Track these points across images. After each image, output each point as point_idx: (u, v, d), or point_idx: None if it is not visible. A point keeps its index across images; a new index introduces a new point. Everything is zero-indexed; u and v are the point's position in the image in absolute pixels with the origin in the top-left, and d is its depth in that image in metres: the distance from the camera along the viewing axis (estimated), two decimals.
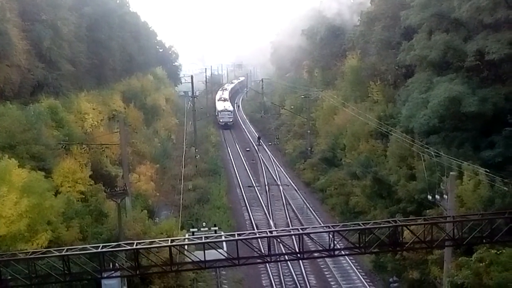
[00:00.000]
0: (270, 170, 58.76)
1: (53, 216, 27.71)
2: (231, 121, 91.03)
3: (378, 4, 49.21)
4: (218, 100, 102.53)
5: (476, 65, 33.28)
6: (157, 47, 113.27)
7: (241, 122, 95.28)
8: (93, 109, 49.03)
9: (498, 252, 25.16)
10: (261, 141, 74.94)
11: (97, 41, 56.56)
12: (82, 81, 52.19)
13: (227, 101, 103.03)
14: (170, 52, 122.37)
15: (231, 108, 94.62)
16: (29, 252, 20.37)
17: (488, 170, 28.01)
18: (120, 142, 37.19)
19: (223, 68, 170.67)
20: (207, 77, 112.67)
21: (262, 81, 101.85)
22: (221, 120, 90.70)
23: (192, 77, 68.92)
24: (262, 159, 63.90)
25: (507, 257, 24.82)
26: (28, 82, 41.82)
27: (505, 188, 26.82)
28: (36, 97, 41.21)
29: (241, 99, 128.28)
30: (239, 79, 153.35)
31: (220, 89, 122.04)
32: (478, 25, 33.57)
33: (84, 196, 34.31)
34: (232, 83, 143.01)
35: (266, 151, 68.47)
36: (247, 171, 59.73)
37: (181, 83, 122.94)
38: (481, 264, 25.24)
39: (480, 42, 32.02)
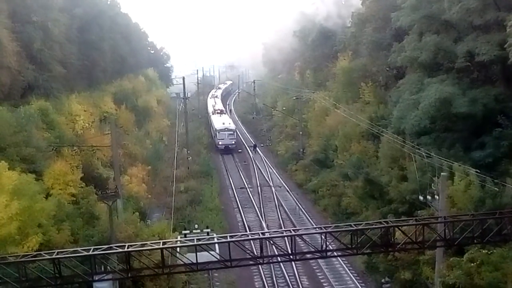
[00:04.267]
0: (262, 172, 58.77)
1: (44, 218, 27.51)
2: (234, 143, 70.94)
3: (369, 5, 49.40)
4: (213, 114, 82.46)
5: (466, 66, 33.52)
6: (149, 48, 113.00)
7: None
8: (84, 110, 48.81)
9: (489, 252, 25.36)
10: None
11: (88, 42, 56.33)
12: (73, 83, 51.94)
13: (225, 114, 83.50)
14: (161, 53, 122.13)
15: (232, 126, 73.41)
16: (20, 255, 20.21)
17: (479, 171, 28.24)
18: (111, 144, 37.01)
19: (215, 70, 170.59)
20: (199, 78, 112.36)
21: (254, 82, 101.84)
22: (220, 143, 70.39)
23: (183, 78, 68.76)
24: (254, 161, 63.90)
25: (497, 257, 25.02)
26: (18, 83, 41.54)
27: (495, 188, 27.02)
28: (27, 99, 40.95)
29: (233, 100, 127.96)
30: (226, 83, 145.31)
31: (210, 96, 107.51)
32: (468, 26, 33.86)
33: (75, 199, 34.05)
34: (219, 88, 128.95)
35: (258, 152, 68.44)
36: (239, 173, 59.70)
37: (172, 84, 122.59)
38: (472, 264, 25.43)
39: (470, 44, 32.26)
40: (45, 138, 35.93)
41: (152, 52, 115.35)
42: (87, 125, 47.13)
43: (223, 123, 72.93)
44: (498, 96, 32.08)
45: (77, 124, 45.59)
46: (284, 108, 76.17)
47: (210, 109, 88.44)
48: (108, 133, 38.78)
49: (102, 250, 20.11)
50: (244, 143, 76.02)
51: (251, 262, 22.23)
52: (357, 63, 50.60)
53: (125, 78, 75.04)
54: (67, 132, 41.35)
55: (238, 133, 79.78)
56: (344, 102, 51.33)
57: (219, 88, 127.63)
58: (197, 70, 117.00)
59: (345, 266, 34.24)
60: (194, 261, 20.34)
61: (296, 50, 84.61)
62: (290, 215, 44.88)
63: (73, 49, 51.58)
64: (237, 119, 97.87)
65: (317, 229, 26.10)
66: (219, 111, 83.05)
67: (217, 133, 71.59)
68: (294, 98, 66.34)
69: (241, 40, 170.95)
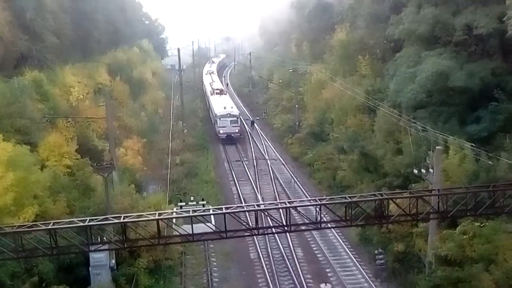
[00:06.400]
0: (258, 145, 58.81)
1: (39, 190, 27.55)
2: (237, 132, 59.46)
3: None
4: (211, 95, 71.19)
5: (464, 40, 33.29)
6: (143, 19, 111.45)
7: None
8: (79, 82, 48.26)
9: (481, 225, 25.67)
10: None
11: (82, 12, 55.39)
12: (67, 54, 51.23)
13: (225, 94, 71.97)
14: (156, 24, 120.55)
15: (236, 111, 61.25)
16: (16, 225, 20.30)
17: (474, 145, 28.35)
18: (106, 115, 36.78)
19: (211, 41, 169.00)
20: (195, 50, 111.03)
21: (250, 54, 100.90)
22: (221, 131, 58.98)
23: (179, 50, 67.99)
24: (249, 134, 63.85)
25: (490, 230, 25.35)
26: (12, 54, 40.96)
27: (489, 162, 27.18)
28: (20, 70, 40.41)
29: (228, 73, 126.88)
30: (220, 57, 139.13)
31: (206, 72, 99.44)
32: None
33: (70, 170, 34.07)
34: (213, 62, 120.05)
35: (255, 128, 68.20)
36: (235, 145, 59.69)
37: (168, 56, 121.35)
38: (464, 237, 25.76)
39: (469, 16, 31.97)
40: (39, 110, 35.62)
41: (147, 23, 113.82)
42: (81, 96, 46.67)
43: (225, 107, 61.36)
44: (495, 70, 31.97)
45: (72, 95, 45.13)
46: (280, 81, 75.61)
47: (208, 88, 77.99)
48: (103, 105, 38.46)
49: (97, 221, 20.21)
50: (241, 117, 75.63)
51: (246, 234, 22.42)
52: (355, 35, 50.10)
53: (120, 49, 74.00)
54: (61, 103, 40.97)
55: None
56: (340, 75, 51.01)
57: (213, 62, 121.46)
58: (193, 42, 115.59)
59: (339, 238, 34.61)
60: (190, 233, 20.50)
61: (293, 22, 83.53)
62: (285, 187, 45.11)
63: (67, 19, 50.72)
64: (233, 92, 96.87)
65: (311, 201, 26.26)
66: (218, 91, 72.25)
67: (218, 120, 59.60)
68: (291, 70, 65.88)
69: (237, 12, 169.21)
